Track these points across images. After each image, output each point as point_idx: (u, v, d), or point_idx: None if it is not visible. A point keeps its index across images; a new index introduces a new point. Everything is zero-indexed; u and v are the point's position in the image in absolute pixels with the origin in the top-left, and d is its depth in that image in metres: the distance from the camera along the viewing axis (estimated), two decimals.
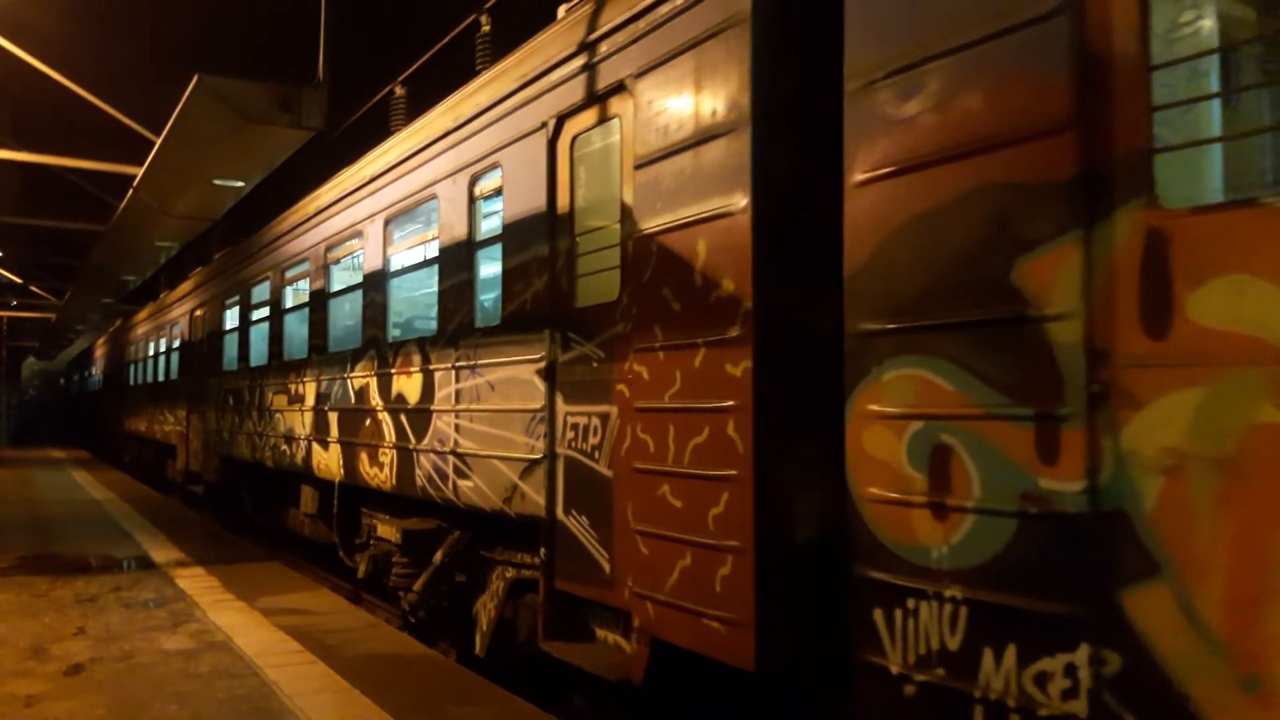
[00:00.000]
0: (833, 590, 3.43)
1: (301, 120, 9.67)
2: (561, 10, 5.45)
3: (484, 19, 6.88)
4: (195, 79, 9.31)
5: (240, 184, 12.67)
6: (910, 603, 3.07)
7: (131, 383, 23.49)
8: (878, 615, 3.16)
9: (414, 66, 9.59)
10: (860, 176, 3.34)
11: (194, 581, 8.82)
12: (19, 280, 28.88)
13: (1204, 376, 2.41)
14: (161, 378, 18.93)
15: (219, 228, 16.37)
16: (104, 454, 29.28)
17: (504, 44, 6.26)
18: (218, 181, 12.55)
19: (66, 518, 13.94)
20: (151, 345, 20.16)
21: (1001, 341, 2.84)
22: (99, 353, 34.78)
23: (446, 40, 8.93)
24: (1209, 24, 2.72)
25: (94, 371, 37.35)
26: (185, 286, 17.20)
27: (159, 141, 11.49)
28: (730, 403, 3.79)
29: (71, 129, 14.17)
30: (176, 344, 17.14)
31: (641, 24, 4.37)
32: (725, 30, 3.87)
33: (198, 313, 15.37)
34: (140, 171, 12.97)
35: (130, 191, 14.24)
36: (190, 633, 6.85)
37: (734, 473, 3.75)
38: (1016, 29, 2.81)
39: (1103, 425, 2.59)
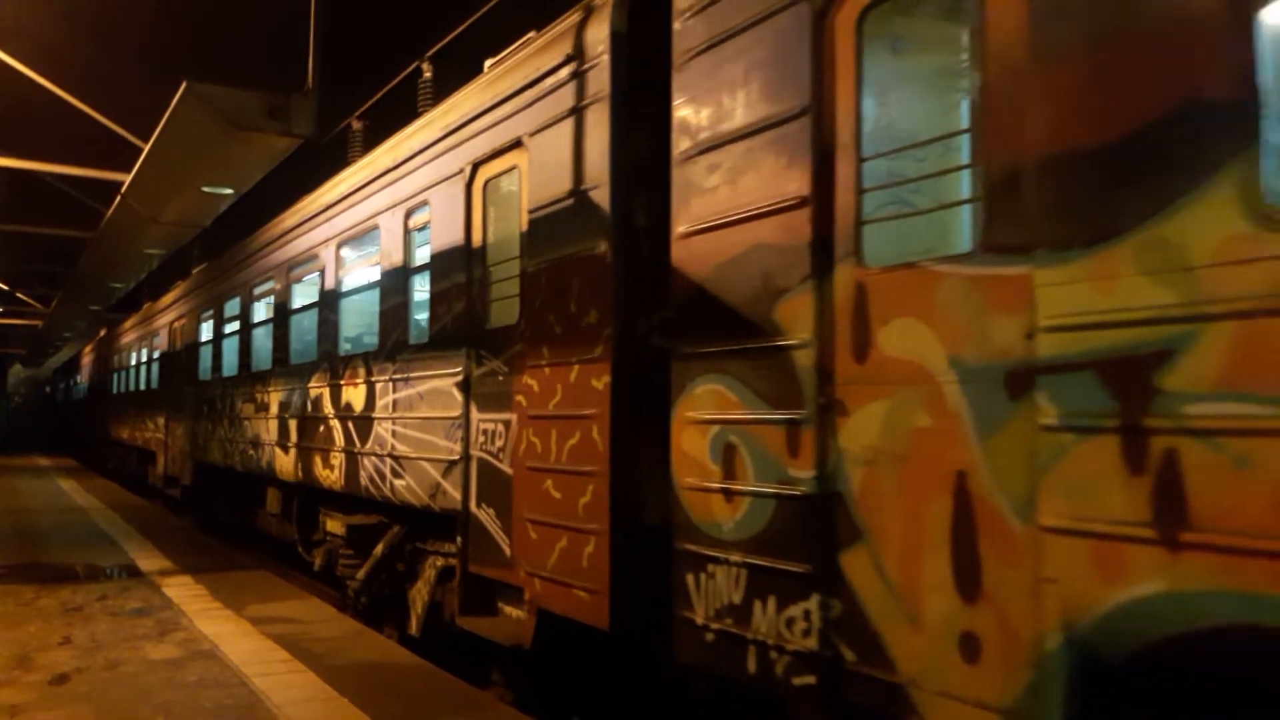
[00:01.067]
0: (664, 563, 4.37)
1: (291, 128, 9.87)
2: (487, 64, 6.40)
3: (426, 66, 7.83)
4: (183, 86, 9.46)
5: (229, 191, 12.97)
6: (710, 568, 4.03)
7: (115, 391, 25.06)
8: (689, 579, 4.13)
9: (375, 98, 10.60)
10: (681, 230, 4.32)
11: (181, 590, 8.95)
12: (6, 287, 29.23)
13: (887, 392, 3.37)
14: (143, 387, 20.33)
15: (199, 242, 17.11)
16: (90, 462, 30.21)
17: (471, 68, 6.75)
18: (206, 189, 12.83)
19: (52, 526, 14.21)
20: (133, 355, 21.75)
21: (767, 363, 3.81)
22: (84, 361, 36.19)
23: (398, 79, 10.02)
24: (906, 124, 3.68)
25: (79, 380, 38.56)
26: (165, 299, 18.55)
27: (147, 148, 11.69)
28: (594, 411, 4.76)
29: (59, 135, 14.05)
30: (157, 354, 18.56)
31: (533, 92, 5.37)
32: (592, 105, 4.86)
33: (176, 325, 16.70)
34: (128, 178, 13.28)
35: (118, 198, 14.55)
36: (177, 641, 6.93)
37: (596, 469, 4.71)
38: (775, 124, 3.79)
39: (827, 428, 3.56)
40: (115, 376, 25.33)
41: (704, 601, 4.07)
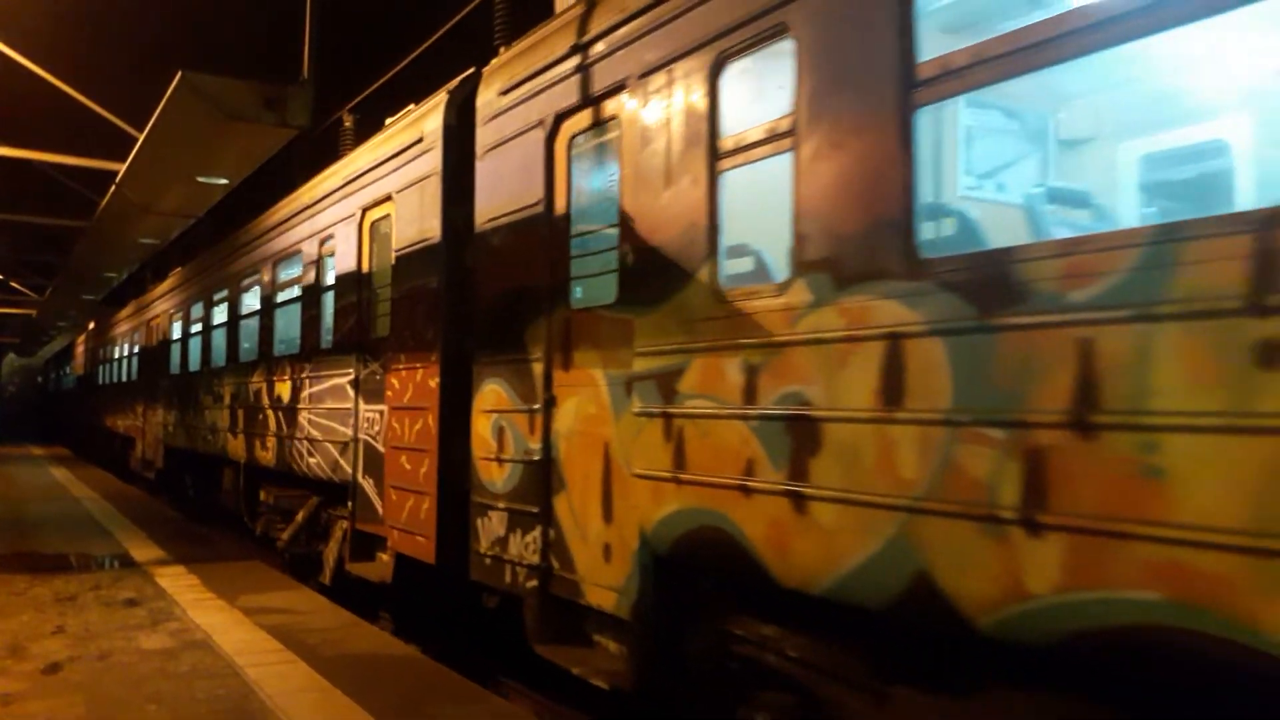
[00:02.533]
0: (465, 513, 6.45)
1: (286, 119, 10.18)
2: (387, 121, 8.45)
3: (347, 117, 9.90)
4: (179, 76, 9.74)
5: (224, 181, 13.36)
6: (489, 514, 6.12)
7: (100, 382, 28.26)
8: (478, 522, 6.22)
9: (367, 91, 11.29)
10: (480, 278, 6.38)
11: (174, 580, 9.22)
12: (0, 276, 30.37)
13: (576, 391, 5.42)
14: (124, 379, 23.26)
15: (177, 246, 18.79)
16: (83, 451, 32.21)
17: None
18: (201, 179, 13.21)
19: (45, 515, 14.56)
20: (116, 349, 24.64)
21: (520, 370, 5.87)
22: (73, 353, 38.77)
23: (392, 72, 10.94)
24: (594, 214, 5.72)
25: (69, 371, 41.40)
26: (144, 299, 21.27)
27: (142, 138, 11.99)
28: (429, 404, 6.86)
29: (54, 124, 14.49)
30: (136, 349, 21.28)
31: (399, 159, 7.49)
32: (431, 176, 6.93)
33: (153, 323, 19.31)
34: (123, 168, 13.63)
35: (113, 187, 14.96)
36: (170, 632, 7.16)
37: (429, 447, 6.82)
38: (526, 208, 5.85)
39: (548, 415, 5.61)
40: (101, 369, 28.72)
41: (485, 537, 6.18)
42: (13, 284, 31.91)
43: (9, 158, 15.07)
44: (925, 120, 3.53)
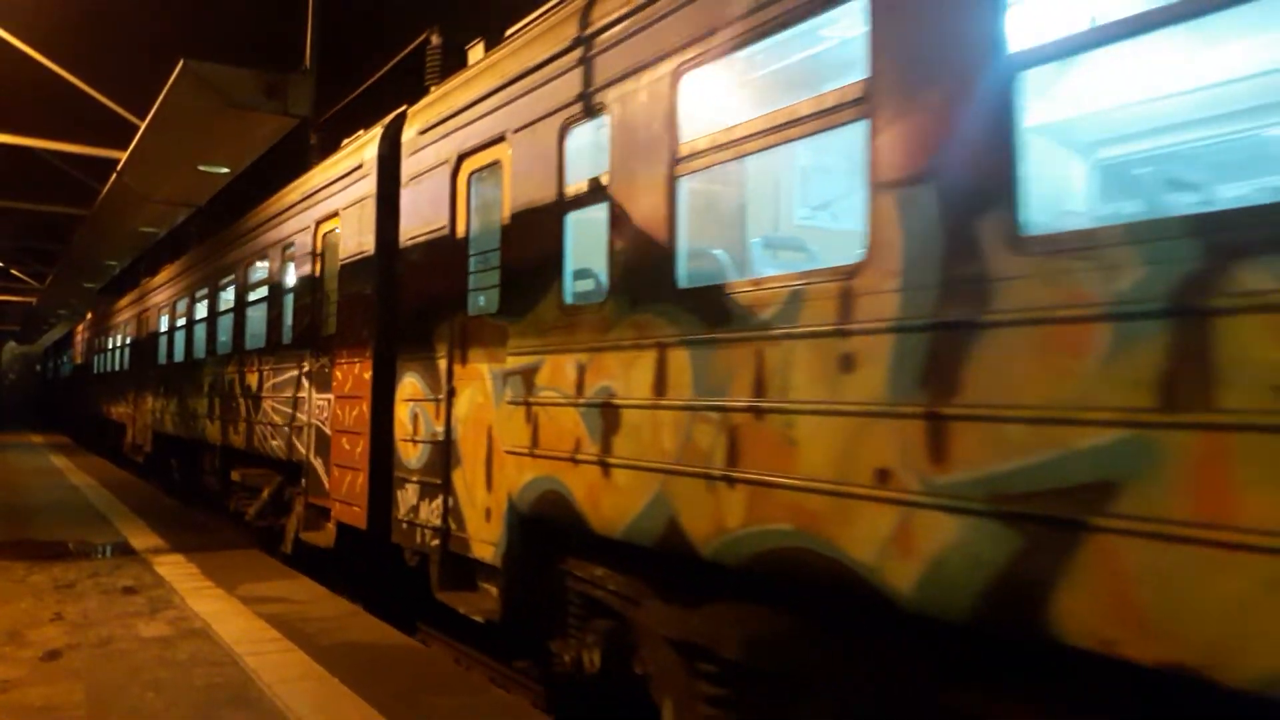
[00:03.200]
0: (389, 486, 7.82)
1: (288, 107, 10.47)
2: (345, 141, 9.79)
3: (313, 135, 11.29)
4: (181, 64, 10.02)
5: (225, 169, 13.84)
6: (406, 486, 7.50)
7: (95, 371, 30.21)
8: (398, 493, 7.62)
9: (366, 84, 11.70)
10: (403, 287, 7.73)
11: (173, 568, 9.43)
12: (0, 264, 31.62)
13: (469, 384, 6.80)
14: (117, 368, 25.00)
15: (168, 242, 19.96)
16: (83, 438, 33.60)
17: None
18: (203, 167, 13.69)
19: (44, 503, 14.94)
20: (110, 340, 26.47)
21: (429, 366, 7.22)
22: (71, 342, 40.70)
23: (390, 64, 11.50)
24: (487, 237, 7.06)
25: (66, 359, 43.18)
26: (135, 293, 22.98)
27: (143, 126, 12.37)
28: (364, 394, 8.23)
29: (55, 112, 15.00)
30: (128, 340, 22.99)
31: (345, 180, 8.90)
32: (367, 198, 8.29)
33: (143, 315, 21.01)
34: (125, 156, 14.10)
35: (114, 176, 15.46)
36: (168, 620, 7.33)
37: (363, 430, 8.18)
38: (437, 230, 7.20)
39: (449, 404, 6.96)
40: (96, 358, 30.78)
41: (403, 506, 7.55)
42: (13, 271, 32.96)
43: (10, 145, 15.65)
44: (683, 187, 4.86)
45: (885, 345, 3.68)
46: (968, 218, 3.39)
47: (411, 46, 9.83)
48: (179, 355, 16.99)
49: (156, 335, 19.38)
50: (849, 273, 3.86)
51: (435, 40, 8.47)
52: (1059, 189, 5.04)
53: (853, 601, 3.86)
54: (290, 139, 12.42)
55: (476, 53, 7.62)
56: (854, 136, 3.90)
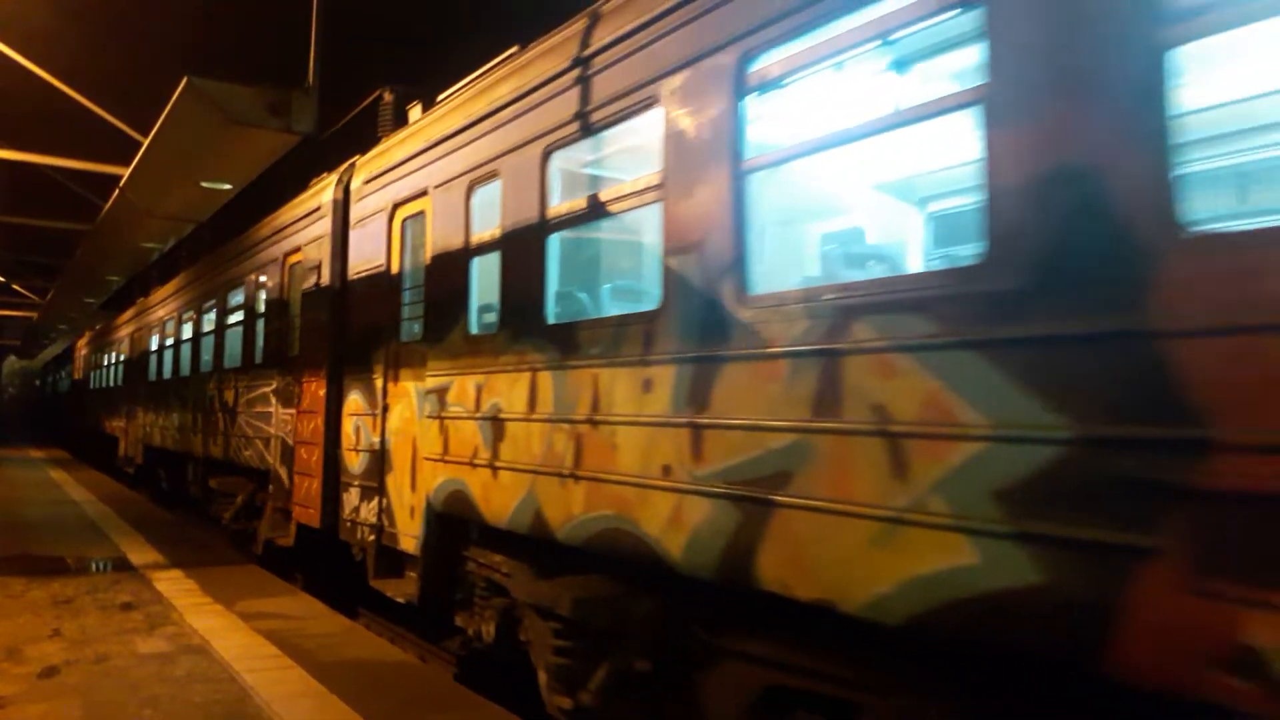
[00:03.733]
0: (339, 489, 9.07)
1: (291, 124, 10.54)
2: (313, 181, 11.07)
3: (282, 208, 12.56)
4: (184, 81, 10.15)
5: (227, 186, 13.89)
6: (350, 489, 8.77)
7: (90, 387, 32.35)
8: (344, 495, 8.92)
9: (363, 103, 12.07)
10: (350, 315, 9.01)
11: (171, 584, 9.54)
12: (2, 279, 31.70)
13: (399, 400, 8.09)
14: (110, 384, 27.20)
15: (158, 264, 21.12)
16: (81, 453, 34.60)
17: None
18: (205, 184, 13.73)
19: (43, 518, 15.16)
20: (104, 357, 28.56)
21: (368, 385, 8.49)
22: (68, 359, 42.97)
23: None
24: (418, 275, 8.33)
25: (63, 375, 45.44)
26: (129, 313, 24.83)
27: (146, 143, 12.49)
28: (320, 409, 9.48)
29: (58, 128, 15.02)
30: (121, 358, 25.03)
31: (307, 220, 10.28)
32: (324, 237, 9.58)
33: (135, 335, 22.82)
34: (127, 172, 14.18)
35: (116, 192, 15.55)
36: (167, 636, 7.37)
37: (319, 441, 9.44)
38: (377, 267, 8.51)
39: (384, 418, 8.23)
40: (91, 374, 33.04)
41: (348, 507, 8.82)
42: (14, 286, 33.39)
43: (13, 161, 15.78)
44: (553, 242, 6.13)
45: (669, 373, 4.95)
46: (716, 280, 4.65)
47: (366, 102, 10.72)
48: (167, 373, 18.69)
49: (146, 353, 21.14)
50: (649, 317, 5.13)
51: (388, 98, 9.73)
52: (774, 261, 6.31)
53: (650, 567, 5.09)
54: (288, 156, 12.61)
55: (415, 112, 8.92)
56: (655, 212, 5.19)
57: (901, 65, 5.15)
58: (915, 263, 6.84)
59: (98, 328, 30.89)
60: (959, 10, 3.74)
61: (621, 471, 5.28)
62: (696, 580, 4.77)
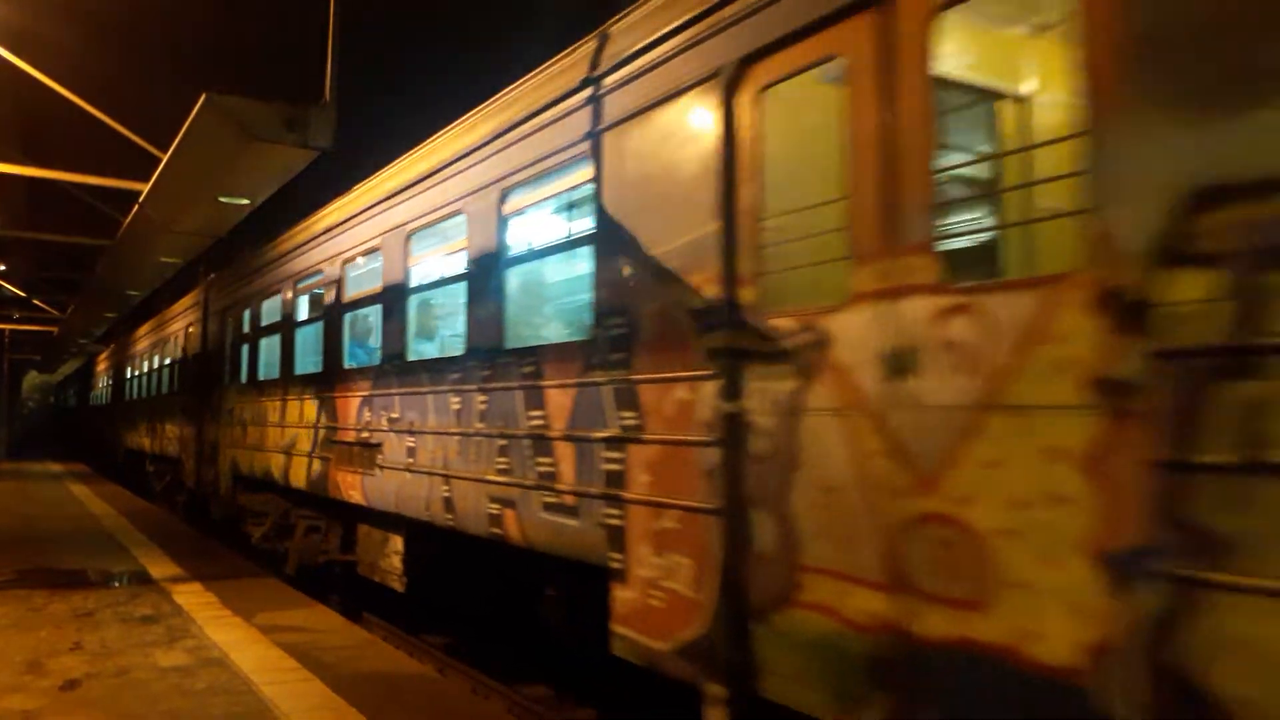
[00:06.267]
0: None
1: (308, 140, 10.82)
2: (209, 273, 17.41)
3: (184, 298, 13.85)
4: (203, 98, 10.49)
5: (245, 201, 14.36)
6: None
7: (91, 404, 42.88)
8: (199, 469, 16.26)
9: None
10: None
11: (191, 597, 9.91)
12: (22, 294, 32.49)
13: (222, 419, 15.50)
14: (104, 401, 35.94)
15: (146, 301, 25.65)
16: (102, 468, 35.34)
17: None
18: (223, 199, 14.19)
19: (64, 532, 15.84)
20: (103, 379, 36.73)
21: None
22: (79, 376, 50.32)
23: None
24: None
25: (76, 391, 52.44)
26: (112, 346, 33.25)
27: (165, 159, 12.94)
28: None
29: (79, 144, 15.65)
30: (113, 379, 32.89)
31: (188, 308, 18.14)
32: (195, 320, 18.22)
33: (113, 363, 29.28)
34: (146, 188, 14.73)
35: (136, 207, 16.10)
36: (187, 649, 7.65)
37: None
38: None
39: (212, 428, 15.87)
40: (92, 394, 41.98)
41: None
42: (36, 301, 34.21)
43: (34, 177, 16.30)
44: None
45: (300, 403, 9.92)
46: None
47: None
48: (142, 392, 26.07)
49: (125, 378, 28.96)
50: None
51: None
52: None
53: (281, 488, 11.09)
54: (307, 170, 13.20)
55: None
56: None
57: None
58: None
59: (99, 353, 33.28)
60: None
61: (272, 448, 11.99)
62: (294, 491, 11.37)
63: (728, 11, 4.99)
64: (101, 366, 33.48)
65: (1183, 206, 2.99)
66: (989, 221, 5.41)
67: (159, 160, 13.33)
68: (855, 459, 4.13)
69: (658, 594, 5.21)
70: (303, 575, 11.15)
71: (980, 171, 5.55)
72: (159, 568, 11.93)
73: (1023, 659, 3.36)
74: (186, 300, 20.14)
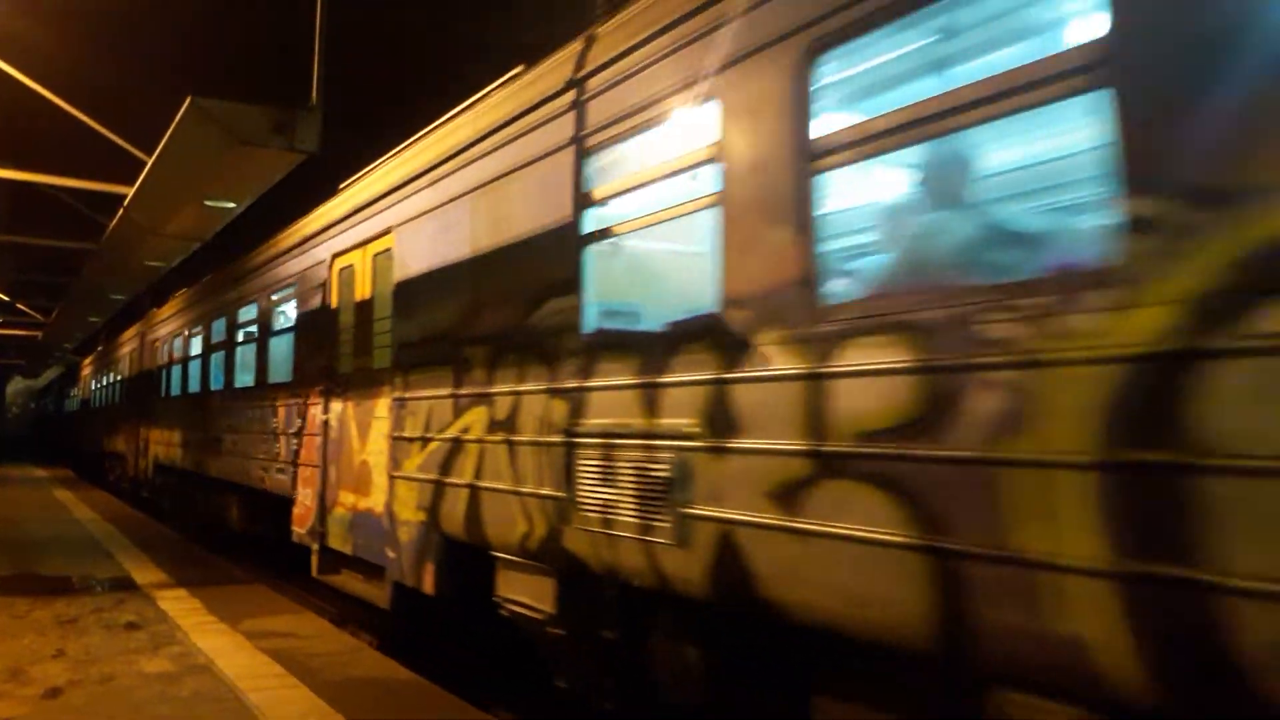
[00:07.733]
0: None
1: (295, 143, 10.74)
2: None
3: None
4: (188, 101, 10.45)
5: (232, 205, 14.21)
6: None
7: (67, 410, 46.80)
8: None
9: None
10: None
11: (176, 603, 9.84)
12: (6, 298, 32.08)
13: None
14: (81, 408, 39.68)
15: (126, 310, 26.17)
16: (86, 473, 35.17)
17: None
18: (209, 203, 14.01)
19: (47, 537, 15.61)
20: (76, 389, 41.00)
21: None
22: (59, 383, 52.92)
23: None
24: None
25: (58, 396, 53.75)
26: (91, 357, 35.49)
27: (150, 162, 12.84)
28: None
29: (62, 147, 15.46)
30: (83, 389, 37.34)
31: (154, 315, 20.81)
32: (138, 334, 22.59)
33: (90, 373, 31.24)
34: (131, 192, 14.54)
35: (120, 211, 15.88)
36: (171, 655, 7.60)
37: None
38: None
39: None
40: (68, 401, 46.05)
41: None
42: (19, 306, 33.98)
43: (16, 180, 16.25)
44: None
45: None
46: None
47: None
48: (114, 399, 29.04)
49: (93, 388, 32.54)
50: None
51: None
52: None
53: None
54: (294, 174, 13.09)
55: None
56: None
57: None
58: None
59: (83, 358, 35.60)
60: None
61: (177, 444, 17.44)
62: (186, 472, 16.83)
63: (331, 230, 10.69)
64: (81, 375, 37.67)
65: None
66: None
67: (144, 164, 13.30)
68: (349, 442, 9.58)
69: (302, 508, 10.73)
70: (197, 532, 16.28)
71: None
72: (144, 574, 11.95)
73: (374, 513, 8.58)
74: (134, 328, 26.11)
